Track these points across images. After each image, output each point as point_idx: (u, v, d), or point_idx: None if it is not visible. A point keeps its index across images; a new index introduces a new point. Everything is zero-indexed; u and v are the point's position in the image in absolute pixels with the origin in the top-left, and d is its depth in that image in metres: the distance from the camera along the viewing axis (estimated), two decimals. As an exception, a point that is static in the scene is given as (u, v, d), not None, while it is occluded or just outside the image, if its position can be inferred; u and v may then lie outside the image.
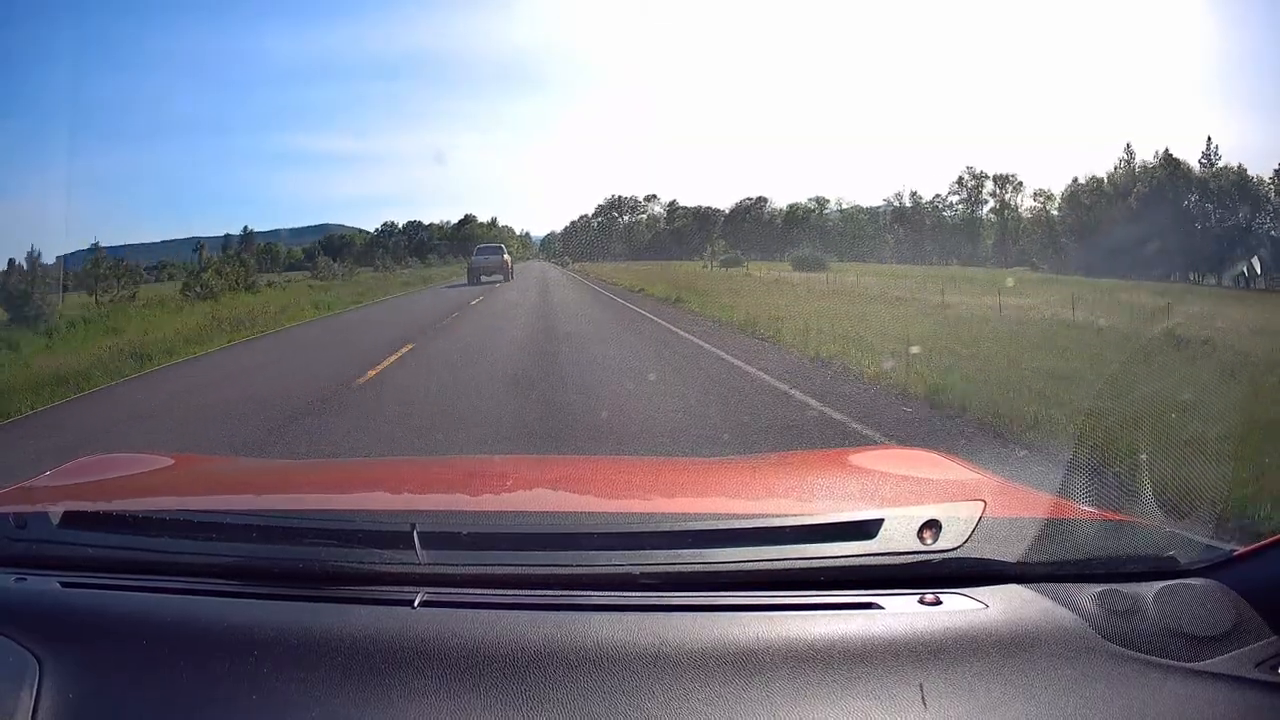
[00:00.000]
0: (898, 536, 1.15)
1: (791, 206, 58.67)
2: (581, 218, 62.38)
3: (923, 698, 0.95)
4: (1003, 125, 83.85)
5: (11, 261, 25.92)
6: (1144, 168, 44.75)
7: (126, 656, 1.07)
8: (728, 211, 60.72)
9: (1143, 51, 72.24)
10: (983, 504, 1.20)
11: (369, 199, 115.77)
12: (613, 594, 1.12)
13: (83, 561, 1.27)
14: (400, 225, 61.64)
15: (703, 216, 60.92)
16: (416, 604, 1.09)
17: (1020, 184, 53.29)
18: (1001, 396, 6.40)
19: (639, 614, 1.07)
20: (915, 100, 76.81)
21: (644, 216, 62.29)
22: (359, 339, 14.81)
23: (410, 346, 11.76)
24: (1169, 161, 44.01)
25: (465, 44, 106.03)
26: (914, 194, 55.94)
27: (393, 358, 10.57)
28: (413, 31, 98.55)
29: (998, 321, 14.69)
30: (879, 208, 56.67)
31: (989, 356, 9.13)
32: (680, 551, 1.18)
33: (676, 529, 1.23)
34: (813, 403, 6.82)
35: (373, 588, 1.15)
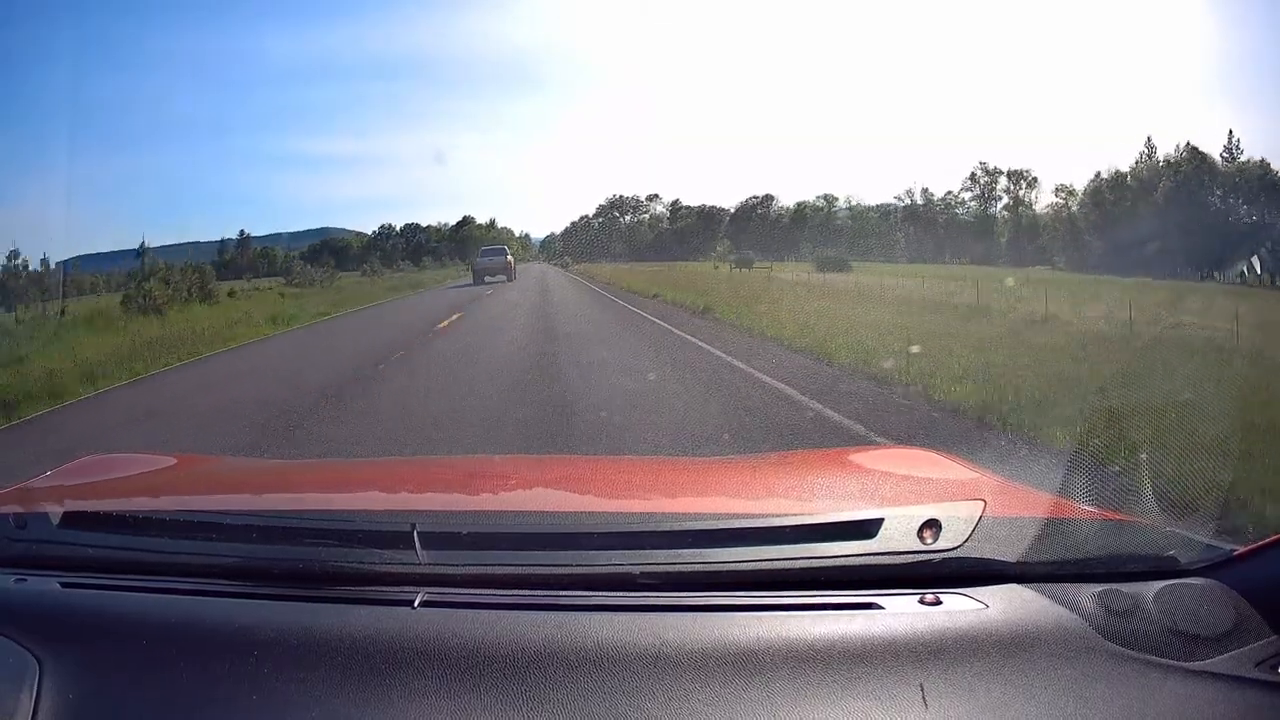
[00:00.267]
0: (898, 536, 1.15)
1: (799, 205, 58.61)
2: (582, 218, 62.51)
3: (923, 698, 0.95)
4: (1010, 122, 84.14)
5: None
6: (1167, 162, 44.04)
7: (126, 657, 1.07)
8: (733, 211, 60.68)
9: (1146, 51, 72.19)
10: (983, 503, 1.20)
11: (368, 201, 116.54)
12: (613, 594, 1.12)
13: (83, 562, 1.27)
14: (398, 228, 61.90)
15: (707, 216, 60.86)
16: (416, 604, 1.09)
17: (1035, 180, 52.98)
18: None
19: (639, 614, 1.07)
20: (921, 98, 76.86)
21: (646, 216, 62.30)
22: (301, 373, 10.55)
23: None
24: (1194, 155, 43.02)
25: (465, 44, 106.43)
26: (925, 190, 55.80)
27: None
28: (413, 32, 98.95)
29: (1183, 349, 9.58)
30: (889, 205, 56.46)
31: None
32: (680, 551, 1.18)
33: (676, 529, 1.23)
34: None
35: (373, 588, 1.15)
